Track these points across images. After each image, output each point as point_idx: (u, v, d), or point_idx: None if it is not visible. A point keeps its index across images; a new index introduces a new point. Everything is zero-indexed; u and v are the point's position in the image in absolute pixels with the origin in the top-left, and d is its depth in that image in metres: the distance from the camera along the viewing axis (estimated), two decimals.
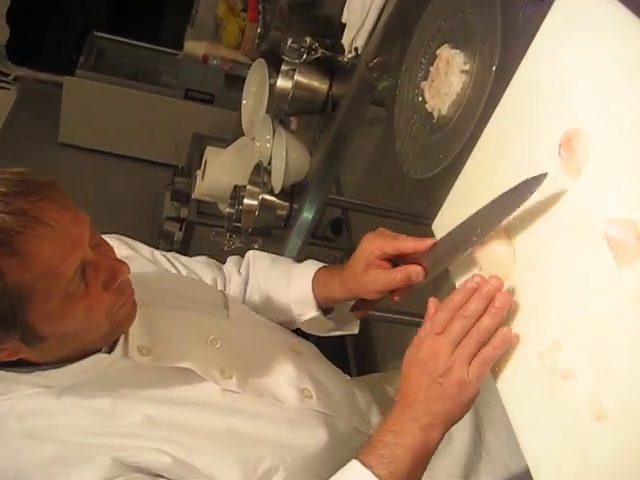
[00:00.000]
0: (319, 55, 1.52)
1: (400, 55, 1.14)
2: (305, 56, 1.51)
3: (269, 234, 1.88)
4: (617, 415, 0.61)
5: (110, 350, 0.83)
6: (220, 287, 1.13)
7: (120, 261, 0.80)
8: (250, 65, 2.02)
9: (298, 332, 1.13)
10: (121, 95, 3.58)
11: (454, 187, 0.94)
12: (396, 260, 0.93)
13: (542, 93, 0.77)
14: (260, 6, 2.34)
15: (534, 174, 0.74)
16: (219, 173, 2.26)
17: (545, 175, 0.71)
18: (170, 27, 4.14)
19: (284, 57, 1.61)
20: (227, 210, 2.03)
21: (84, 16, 4.02)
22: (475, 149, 0.89)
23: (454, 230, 0.84)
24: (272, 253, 1.23)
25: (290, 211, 1.75)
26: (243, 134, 2.15)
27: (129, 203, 3.34)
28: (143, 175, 3.66)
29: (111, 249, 0.81)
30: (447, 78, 0.95)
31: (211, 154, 2.36)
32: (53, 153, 3.63)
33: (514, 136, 0.81)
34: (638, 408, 0.59)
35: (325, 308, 1.05)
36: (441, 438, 0.78)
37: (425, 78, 1.03)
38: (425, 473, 0.80)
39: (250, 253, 1.20)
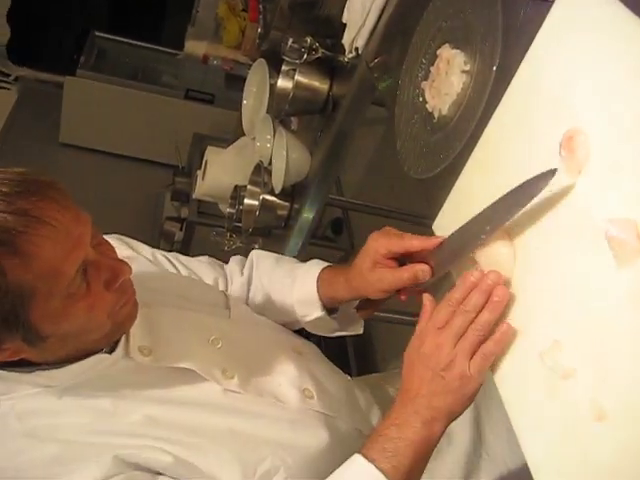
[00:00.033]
0: (320, 55, 1.52)
1: (401, 55, 1.14)
2: (306, 56, 1.51)
3: (269, 234, 1.88)
4: (617, 415, 0.61)
5: (111, 350, 0.83)
6: (222, 287, 1.13)
7: (121, 261, 0.80)
8: (251, 65, 2.02)
9: (300, 332, 1.12)
10: (122, 95, 3.59)
11: (454, 187, 0.94)
12: (402, 259, 0.92)
13: (543, 93, 0.77)
14: (261, 6, 2.34)
15: (534, 174, 0.74)
16: (219, 173, 2.26)
17: (555, 170, 0.70)
18: (171, 27, 4.15)
19: (285, 57, 1.61)
20: (227, 210, 2.03)
21: (84, 16, 4.03)
22: (476, 149, 0.89)
23: (462, 228, 0.83)
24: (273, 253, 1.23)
25: (290, 211, 1.75)
26: (244, 134, 2.15)
27: (129, 203, 3.34)
28: (143, 175, 3.66)
29: (112, 249, 0.81)
30: (448, 78, 0.95)
31: (212, 154, 2.36)
32: (54, 153, 3.63)
33: (515, 136, 0.81)
34: (638, 408, 0.59)
35: (329, 308, 1.05)
36: (443, 432, 0.79)
37: (426, 78, 1.03)
38: (426, 473, 0.81)
39: (254, 253, 1.19)
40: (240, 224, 1.92)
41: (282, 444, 0.87)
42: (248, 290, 1.15)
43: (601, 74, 0.68)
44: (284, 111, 1.65)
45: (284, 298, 1.08)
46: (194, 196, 2.51)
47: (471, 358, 0.76)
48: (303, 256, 1.55)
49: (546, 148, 0.74)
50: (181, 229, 2.93)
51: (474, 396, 0.78)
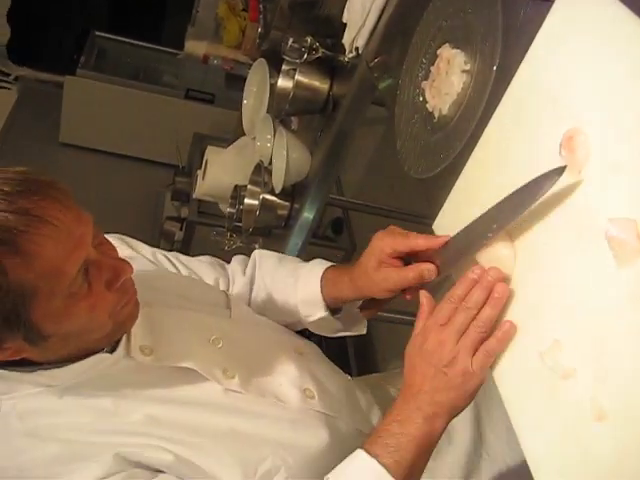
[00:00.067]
0: (320, 55, 1.52)
1: (401, 55, 1.14)
2: (306, 56, 1.51)
3: (270, 234, 1.88)
4: (617, 415, 0.61)
5: (112, 350, 0.83)
6: (223, 287, 1.13)
7: (123, 260, 0.80)
8: (251, 65, 2.02)
9: (301, 332, 1.12)
10: (122, 95, 3.59)
11: (455, 187, 0.94)
12: (407, 258, 0.92)
13: (543, 93, 0.77)
14: (261, 6, 2.34)
15: (535, 174, 0.74)
16: (220, 173, 2.26)
17: (564, 168, 0.70)
18: (171, 27, 4.15)
19: (285, 57, 1.61)
20: (228, 210, 2.03)
21: (85, 16, 4.03)
22: (476, 149, 0.89)
23: (468, 227, 0.82)
24: None
25: (291, 211, 1.75)
26: (244, 134, 2.15)
27: (130, 203, 3.34)
28: (144, 175, 3.67)
29: (114, 248, 0.81)
30: (448, 78, 0.95)
31: (212, 154, 2.36)
32: (54, 153, 3.63)
33: (515, 136, 0.81)
34: (638, 408, 0.59)
35: (333, 308, 1.05)
36: (444, 428, 0.79)
37: (426, 78, 1.03)
38: (426, 472, 0.81)
39: (256, 252, 1.19)
40: (240, 224, 1.92)
41: (283, 444, 0.87)
42: (251, 290, 1.15)
43: (601, 74, 0.68)
44: (284, 111, 1.65)
45: (287, 298, 1.08)
46: (194, 196, 2.51)
47: (473, 355, 0.77)
48: (303, 256, 1.55)
49: (546, 148, 0.74)
50: (181, 229, 2.93)
51: (476, 392, 0.78)
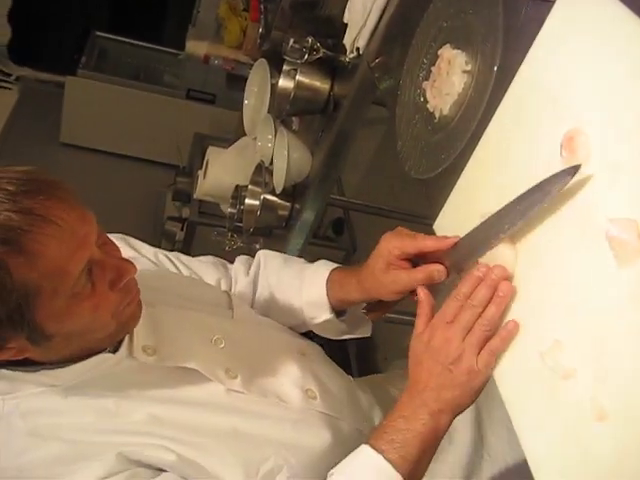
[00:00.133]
0: (321, 55, 1.52)
1: (402, 55, 1.14)
2: (307, 56, 1.51)
3: (270, 234, 1.88)
4: (618, 415, 0.61)
5: (115, 350, 0.83)
6: (225, 287, 1.12)
7: (126, 261, 0.80)
8: (252, 65, 2.02)
9: (303, 333, 1.12)
10: (123, 95, 3.59)
11: (456, 187, 0.94)
12: (415, 260, 0.91)
13: (543, 93, 0.77)
14: (262, 6, 2.34)
15: (535, 174, 0.74)
16: (221, 173, 2.26)
17: (578, 167, 0.69)
18: (172, 27, 4.15)
19: (286, 57, 1.61)
20: (229, 210, 2.03)
21: (86, 16, 4.03)
22: (477, 149, 0.89)
23: (478, 227, 0.82)
24: None
25: (291, 211, 1.75)
26: (245, 134, 2.15)
27: (131, 203, 3.34)
28: (145, 175, 3.67)
29: (117, 248, 0.81)
30: (449, 78, 0.95)
31: (213, 154, 2.36)
32: (55, 153, 3.63)
33: (515, 136, 0.81)
34: (638, 408, 0.59)
35: (338, 310, 1.04)
36: (449, 424, 0.80)
37: (427, 78, 1.03)
38: (427, 473, 0.81)
39: (261, 253, 1.18)
40: (241, 224, 1.92)
41: (285, 444, 0.87)
42: (254, 290, 1.14)
43: (601, 74, 0.69)
44: (285, 111, 1.65)
45: (292, 299, 1.07)
46: (195, 196, 2.52)
47: (478, 353, 0.77)
48: (304, 256, 1.55)
49: (547, 148, 0.74)
50: (182, 229, 2.93)
51: (481, 390, 0.79)
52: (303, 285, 1.06)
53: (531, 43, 0.79)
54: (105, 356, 0.81)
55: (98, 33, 3.86)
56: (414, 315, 0.85)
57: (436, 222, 0.98)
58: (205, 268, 1.13)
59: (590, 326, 0.66)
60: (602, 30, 0.69)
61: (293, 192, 1.75)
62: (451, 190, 0.94)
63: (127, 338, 0.84)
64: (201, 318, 0.96)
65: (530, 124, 0.79)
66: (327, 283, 1.02)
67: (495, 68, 0.86)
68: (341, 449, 0.89)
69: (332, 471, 0.81)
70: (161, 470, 0.79)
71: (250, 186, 1.90)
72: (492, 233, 0.79)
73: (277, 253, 1.20)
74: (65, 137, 3.70)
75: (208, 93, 3.69)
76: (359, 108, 1.51)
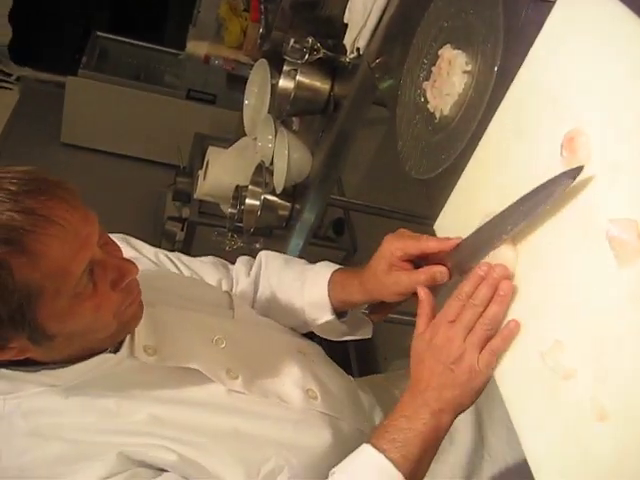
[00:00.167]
0: (321, 55, 1.52)
1: (402, 55, 1.14)
2: (307, 56, 1.51)
3: (271, 234, 1.88)
4: (618, 415, 0.61)
5: (116, 350, 0.83)
6: (225, 288, 1.12)
7: (128, 261, 0.80)
8: (252, 65, 2.02)
9: (304, 333, 1.12)
10: (123, 95, 3.59)
11: (456, 187, 0.94)
12: (418, 261, 0.91)
13: (544, 93, 0.77)
14: (262, 6, 2.34)
15: (535, 174, 0.74)
16: (221, 173, 2.27)
17: (581, 168, 0.69)
18: (172, 27, 4.15)
19: (286, 57, 1.61)
20: (229, 210, 2.03)
21: (86, 16, 4.03)
22: (477, 149, 0.89)
23: (481, 228, 0.82)
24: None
25: (292, 211, 1.75)
26: (245, 134, 2.15)
27: (131, 203, 3.34)
28: (145, 175, 3.67)
29: (118, 249, 0.81)
30: (449, 78, 0.95)
31: (213, 154, 2.36)
32: (55, 153, 3.63)
33: (516, 136, 0.81)
34: (638, 408, 0.59)
35: (339, 312, 1.04)
36: (450, 424, 0.80)
37: (427, 78, 1.03)
38: (428, 473, 0.81)
39: (262, 254, 1.18)
40: (241, 224, 1.92)
41: (286, 444, 0.87)
42: (255, 291, 1.14)
43: (602, 74, 0.69)
44: (285, 111, 1.65)
45: (293, 300, 1.07)
46: (195, 196, 2.52)
47: (480, 352, 0.77)
48: (304, 257, 1.55)
49: (547, 148, 0.74)
50: (182, 229, 2.93)
51: (482, 390, 0.79)
52: (304, 286, 1.06)
53: (531, 43, 0.79)
54: (106, 356, 0.81)
55: (99, 33, 3.86)
56: (414, 315, 0.85)
57: (437, 222, 0.98)
58: (206, 268, 1.13)
59: (590, 326, 0.66)
60: (602, 30, 0.69)
61: (293, 192, 1.76)
62: (452, 190, 0.94)
63: (128, 338, 0.84)
64: (202, 318, 0.96)
65: (530, 124, 0.79)
66: (329, 284, 1.02)
67: (495, 68, 0.86)
68: (342, 449, 0.89)
69: (333, 470, 0.81)
70: (162, 470, 0.79)
71: (250, 186, 1.90)
72: (495, 234, 0.79)
73: (278, 254, 1.20)
74: (66, 137, 3.70)
75: (208, 93, 3.68)
76: (359, 108, 1.51)
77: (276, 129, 1.79)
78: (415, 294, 0.89)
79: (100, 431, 0.79)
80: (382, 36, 1.33)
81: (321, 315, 1.04)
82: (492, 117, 0.86)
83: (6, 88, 4.05)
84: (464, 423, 1.10)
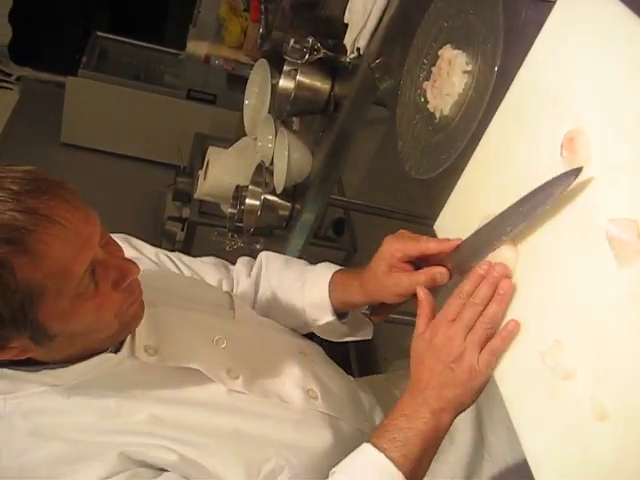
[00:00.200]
0: (321, 55, 1.52)
1: (402, 55, 1.14)
2: (307, 56, 1.51)
3: (271, 234, 1.89)
4: (618, 415, 0.61)
5: (117, 350, 0.83)
6: (226, 288, 1.12)
7: (130, 261, 0.80)
8: (252, 65, 2.02)
9: (304, 334, 1.12)
10: (123, 95, 3.59)
11: (456, 187, 0.94)
12: (418, 262, 0.91)
13: (544, 93, 0.77)
14: (262, 6, 2.34)
15: (535, 174, 0.74)
16: (221, 173, 2.27)
17: (580, 169, 0.69)
18: (172, 27, 4.15)
19: (286, 57, 1.61)
20: (229, 210, 2.03)
21: (86, 16, 4.03)
22: (477, 149, 0.89)
23: (481, 229, 0.82)
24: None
25: (292, 211, 1.75)
26: (245, 134, 2.15)
27: (131, 203, 3.34)
28: (145, 175, 3.67)
29: (120, 249, 0.81)
30: (449, 78, 0.95)
31: (213, 154, 2.36)
32: (55, 153, 3.63)
33: (516, 136, 0.81)
34: (638, 408, 0.59)
35: (340, 313, 1.04)
36: (451, 423, 0.80)
37: (427, 78, 1.03)
38: (428, 473, 0.81)
39: (263, 254, 1.18)
40: (241, 224, 1.92)
41: (286, 444, 0.87)
42: (256, 291, 1.14)
43: (602, 74, 0.69)
44: (286, 111, 1.65)
45: (294, 301, 1.07)
46: (196, 196, 2.52)
47: (480, 351, 0.77)
48: (304, 256, 1.55)
49: (547, 148, 0.74)
50: (183, 229, 2.93)
51: (482, 389, 0.79)
52: (305, 287, 1.06)
53: (531, 43, 0.79)
54: (107, 356, 0.81)
55: (99, 33, 3.86)
56: (414, 315, 0.85)
57: (437, 222, 0.98)
58: (207, 269, 1.13)
59: (590, 326, 0.66)
60: (602, 30, 0.69)
61: (294, 192, 1.76)
62: (452, 190, 0.94)
63: (129, 338, 0.84)
64: (203, 318, 0.96)
65: (530, 124, 0.79)
66: (329, 285, 1.03)
67: (496, 68, 0.86)
68: (342, 449, 0.89)
69: (334, 470, 0.81)
70: (163, 470, 0.79)
71: (251, 186, 1.90)
72: (495, 235, 0.79)
73: (278, 255, 1.20)
74: (66, 137, 3.70)
75: (209, 93, 3.68)
76: (360, 108, 1.51)
77: (276, 129, 1.79)
78: (415, 295, 0.89)
79: (101, 431, 0.79)
80: (382, 36, 1.33)
81: (322, 316, 1.04)
82: (492, 117, 0.86)
83: (6, 88, 4.05)
84: (464, 423, 1.10)
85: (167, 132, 3.53)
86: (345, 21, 1.42)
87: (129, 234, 1.07)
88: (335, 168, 1.61)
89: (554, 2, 0.76)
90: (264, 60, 1.88)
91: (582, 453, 0.64)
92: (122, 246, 0.83)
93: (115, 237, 0.84)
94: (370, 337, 1.11)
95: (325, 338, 1.10)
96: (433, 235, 0.95)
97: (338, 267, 1.07)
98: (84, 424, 0.79)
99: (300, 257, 1.60)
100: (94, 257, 0.74)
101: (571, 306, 0.69)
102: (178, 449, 0.79)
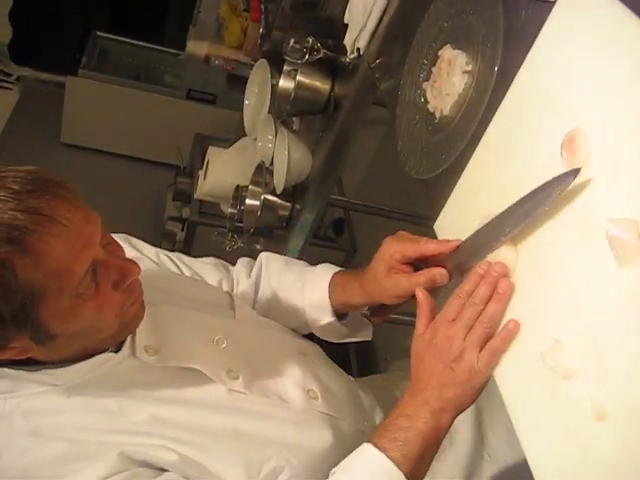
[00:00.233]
0: (321, 55, 1.52)
1: (402, 56, 1.14)
2: (307, 56, 1.52)
3: (271, 234, 1.89)
4: (618, 415, 0.61)
5: (117, 350, 0.83)
6: (226, 289, 1.12)
7: (130, 261, 0.80)
8: (252, 65, 2.02)
9: (305, 334, 1.12)
10: (123, 95, 3.59)
11: (456, 187, 0.94)
12: (417, 264, 0.91)
13: (544, 93, 0.77)
14: (262, 6, 2.34)
15: (535, 174, 0.74)
16: (221, 173, 2.27)
17: (578, 171, 0.69)
18: (172, 27, 4.15)
19: (286, 57, 1.61)
20: (229, 210, 2.03)
21: (86, 16, 4.03)
22: (477, 149, 0.89)
23: (480, 230, 0.82)
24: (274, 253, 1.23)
25: (292, 211, 1.75)
26: (245, 134, 2.15)
27: (131, 203, 3.34)
28: (145, 175, 3.67)
29: (121, 249, 0.81)
30: (449, 79, 0.96)
31: (213, 154, 2.36)
32: (55, 153, 3.63)
33: (516, 137, 0.82)
34: (638, 408, 0.59)
35: (339, 314, 1.04)
36: (451, 423, 0.80)
37: (427, 79, 1.03)
38: (428, 473, 0.81)
39: (263, 255, 1.19)
40: (242, 224, 1.92)
41: (286, 444, 0.87)
42: (256, 292, 1.15)
43: (602, 75, 0.69)
44: (286, 111, 1.65)
45: (294, 302, 1.08)
46: (196, 196, 2.52)
47: (479, 351, 0.77)
48: (304, 257, 1.55)
49: (547, 148, 0.74)
50: (183, 229, 2.93)
51: (482, 389, 0.79)
52: (305, 287, 1.06)
53: (531, 44, 0.79)
54: (107, 356, 0.81)
55: (99, 33, 3.86)
56: (414, 316, 0.85)
57: (436, 222, 0.98)
58: (207, 269, 1.13)
59: (591, 326, 0.66)
60: (602, 30, 0.69)
61: (293, 192, 1.76)
62: (452, 190, 0.94)
63: (129, 338, 0.84)
64: (203, 318, 0.96)
65: (530, 124, 0.79)
66: (329, 286, 1.03)
67: (496, 68, 0.86)
68: (342, 449, 0.89)
69: (334, 469, 0.81)
70: (163, 470, 0.79)
71: (251, 186, 1.90)
72: (494, 236, 0.79)
73: (278, 255, 1.20)
74: (66, 137, 3.70)
75: (209, 93, 3.68)
76: (359, 108, 1.51)
77: (276, 129, 1.79)
78: (415, 296, 0.90)
79: (101, 431, 0.79)
80: (382, 36, 1.33)
81: (322, 317, 1.04)
82: (492, 117, 0.86)
83: (6, 88, 4.05)
84: (464, 423, 1.10)
85: (167, 132, 3.53)
86: (345, 21, 1.42)
87: (129, 234, 1.07)
88: (335, 168, 1.61)
89: (554, 2, 0.76)
90: (264, 60, 1.88)
91: (582, 453, 0.64)
92: (123, 246, 0.83)
93: (116, 237, 0.84)
94: (370, 338, 1.11)
95: (325, 339, 1.10)
96: (433, 235, 0.95)
97: (338, 268, 1.07)
98: (84, 424, 0.79)
99: (300, 257, 1.61)
100: (95, 257, 0.74)
101: (571, 306, 0.69)
102: (178, 449, 0.79)
